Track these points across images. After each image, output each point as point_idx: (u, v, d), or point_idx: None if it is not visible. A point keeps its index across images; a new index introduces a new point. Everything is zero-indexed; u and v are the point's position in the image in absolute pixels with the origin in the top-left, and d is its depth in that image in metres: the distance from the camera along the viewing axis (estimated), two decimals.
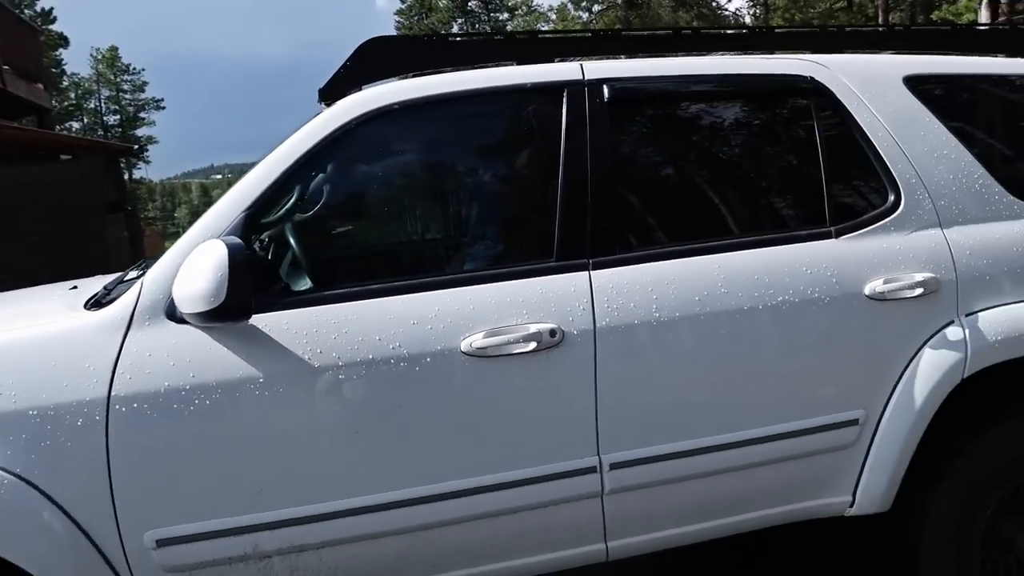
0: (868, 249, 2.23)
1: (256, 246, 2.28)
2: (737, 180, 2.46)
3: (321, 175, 2.26)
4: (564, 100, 2.22)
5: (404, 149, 2.38)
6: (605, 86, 2.25)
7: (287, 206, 2.27)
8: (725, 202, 2.40)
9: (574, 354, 2.04)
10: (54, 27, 43.53)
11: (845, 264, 2.21)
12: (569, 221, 2.15)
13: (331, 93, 2.32)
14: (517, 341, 2.01)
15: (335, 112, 2.16)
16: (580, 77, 2.26)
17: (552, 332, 2.02)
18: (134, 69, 55.79)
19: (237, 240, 1.89)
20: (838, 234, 2.25)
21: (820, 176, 2.30)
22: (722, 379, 2.14)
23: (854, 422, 2.19)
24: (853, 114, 2.34)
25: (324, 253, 2.34)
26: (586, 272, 2.11)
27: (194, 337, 1.93)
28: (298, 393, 1.95)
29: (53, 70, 42.68)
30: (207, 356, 1.92)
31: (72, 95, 52.30)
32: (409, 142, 2.37)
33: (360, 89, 2.26)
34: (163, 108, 56.25)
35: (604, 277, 2.11)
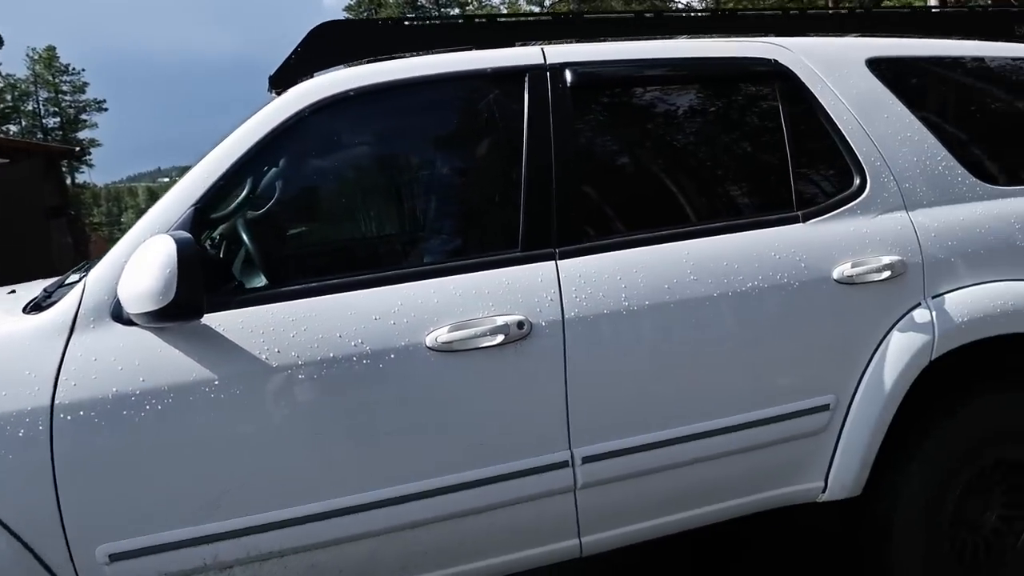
0: (835, 233, 2.22)
1: (207, 243, 2.18)
2: (703, 165, 2.42)
3: (274, 166, 2.17)
4: (526, 85, 2.16)
5: (361, 138, 2.30)
6: (568, 70, 2.19)
7: (239, 200, 2.18)
8: (692, 188, 2.36)
9: (543, 346, 1.98)
10: None
11: (813, 248, 2.18)
12: (534, 210, 2.09)
13: (282, 80, 2.23)
14: (484, 334, 1.94)
15: (287, 100, 2.07)
16: (542, 61, 2.20)
17: (520, 324, 1.96)
18: (73, 69, 54.30)
19: (186, 235, 1.79)
20: (805, 218, 2.23)
21: (786, 160, 2.28)
22: (693, 367, 2.10)
23: (825, 407, 2.17)
24: (817, 97, 2.33)
25: (279, 248, 2.25)
26: (553, 262, 2.05)
27: (143, 339, 1.83)
28: (256, 395, 1.86)
29: None
30: (157, 359, 1.82)
31: (8, 97, 50.69)
32: (366, 131, 2.28)
33: (312, 76, 2.17)
34: (105, 110, 54.84)
35: (571, 266, 2.05)
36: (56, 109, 53.34)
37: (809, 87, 2.33)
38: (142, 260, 1.75)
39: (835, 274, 2.16)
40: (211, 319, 1.85)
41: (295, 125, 2.04)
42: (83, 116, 53.94)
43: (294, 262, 2.23)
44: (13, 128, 49.41)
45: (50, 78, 53.41)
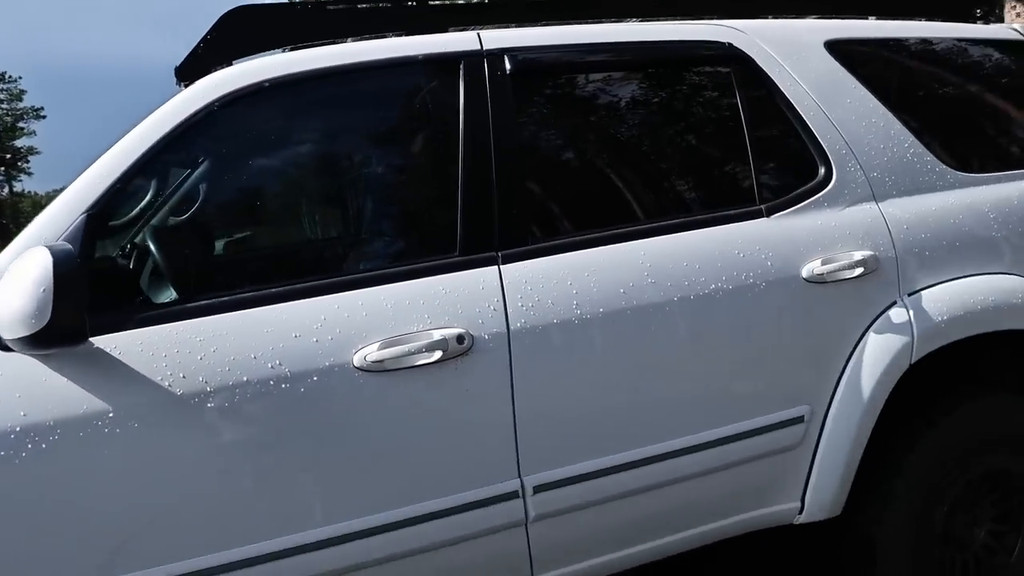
0: (802, 227, 2.04)
1: (118, 254, 1.94)
2: (657, 157, 2.23)
3: (179, 165, 1.92)
4: (461, 73, 1.94)
5: (279, 135, 2.05)
6: (506, 56, 1.98)
7: (143, 204, 1.94)
8: (646, 182, 2.17)
9: (486, 362, 1.77)
10: None
11: (779, 245, 2.00)
12: (472, 209, 1.87)
13: (191, 72, 1.99)
14: (419, 351, 1.72)
15: (194, 92, 1.82)
16: (478, 47, 1.99)
17: (459, 338, 1.75)
18: (10, 77, 52.51)
19: (65, 246, 1.53)
20: (769, 212, 2.05)
21: (745, 150, 2.10)
22: (654, 380, 1.90)
23: (799, 420, 1.99)
24: (775, 81, 2.15)
25: (191, 258, 2.00)
26: (495, 267, 1.84)
27: (24, 367, 1.57)
28: (157, 427, 1.61)
29: None
30: (41, 389, 1.57)
31: None
32: (285, 126, 2.04)
33: (231, 64, 1.93)
34: (44, 117, 53.02)
35: (516, 271, 1.84)
36: None
37: (766, 71, 2.16)
38: (15, 277, 1.50)
39: (804, 272, 1.99)
40: (106, 341, 1.61)
41: (203, 120, 1.80)
42: (20, 124, 52.16)
43: (206, 273, 1.98)
44: None
45: None
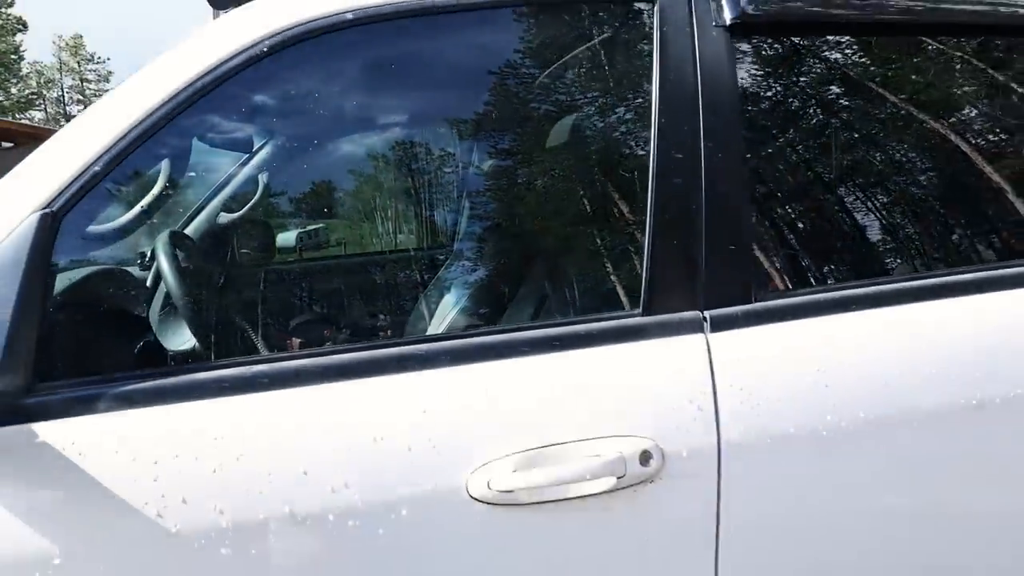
0: None
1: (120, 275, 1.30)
2: (972, 172, 1.44)
3: (207, 146, 1.24)
4: (655, 18, 1.21)
5: (365, 100, 1.34)
6: None
7: (151, 198, 1.28)
8: (944, 207, 1.40)
9: (683, 497, 1.05)
10: (11, 11, 41.66)
11: None
12: (667, 235, 1.14)
13: None
14: (577, 478, 1.00)
15: (232, 28, 1.13)
16: None
17: (643, 456, 1.02)
18: (99, 58, 53.97)
19: None
20: None
21: None
22: (967, 529, 1.15)
23: None
24: None
25: (217, 286, 1.33)
26: (701, 335, 1.10)
27: None
28: None
29: (12, 56, 41.14)
30: None
31: (33, 83, 50.36)
32: (377, 86, 1.33)
33: None
34: None
35: (732, 344, 1.10)
36: (80, 97, 53.05)
37: None
38: None
39: None
40: (63, 430, 0.93)
41: (243, 70, 1.10)
42: None
43: (236, 321, 1.29)
44: (38, 114, 49.04)
45: (76, 66, 53.13)
